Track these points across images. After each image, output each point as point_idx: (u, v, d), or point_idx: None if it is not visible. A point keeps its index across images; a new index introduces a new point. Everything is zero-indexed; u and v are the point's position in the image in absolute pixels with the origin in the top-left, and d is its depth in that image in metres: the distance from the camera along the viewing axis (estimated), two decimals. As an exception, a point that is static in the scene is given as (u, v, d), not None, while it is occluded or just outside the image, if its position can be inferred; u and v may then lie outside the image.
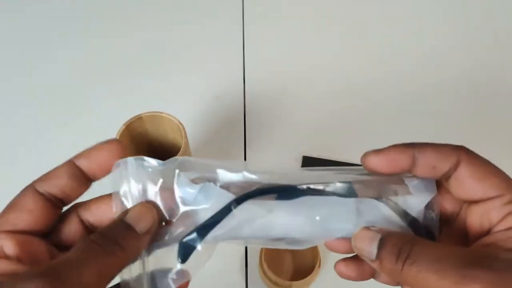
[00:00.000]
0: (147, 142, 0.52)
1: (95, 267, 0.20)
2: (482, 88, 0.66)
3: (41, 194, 0.23)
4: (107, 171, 0.24)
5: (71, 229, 0.24)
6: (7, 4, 0.75)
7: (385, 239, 0.22)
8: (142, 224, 0.23)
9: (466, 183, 0.23)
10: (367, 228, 0.23)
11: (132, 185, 0.24)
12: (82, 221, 0.25)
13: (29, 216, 0.22)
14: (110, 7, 0.76)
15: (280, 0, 0.77)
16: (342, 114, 0.63)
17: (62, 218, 0.24)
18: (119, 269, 0.22)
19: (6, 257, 0.22)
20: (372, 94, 0.65)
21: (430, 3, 0.76)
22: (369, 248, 0.22)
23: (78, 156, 0.25)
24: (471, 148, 0.23)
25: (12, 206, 0.23)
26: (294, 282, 0.44)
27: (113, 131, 0.46)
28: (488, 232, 0.22)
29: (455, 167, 0.23)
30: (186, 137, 0.47)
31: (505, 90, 0.66)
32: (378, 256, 0.22)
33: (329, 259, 0.48)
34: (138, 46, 0.71)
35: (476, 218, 0.23)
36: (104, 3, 0.76)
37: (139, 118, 0.48)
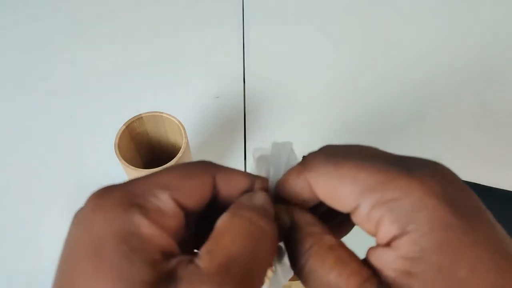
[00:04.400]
0: (147, 142, 0.52)
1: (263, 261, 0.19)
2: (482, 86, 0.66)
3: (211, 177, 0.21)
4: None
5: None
6: (5, 5, 0.75)
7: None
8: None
9: (329, 202, 0.20)
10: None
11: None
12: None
13: (199, 193, 0.20)
14: (110, 7, 0.76)
15: (280, 0, 0.77)
16: (342, 114, 0.63)
17: None
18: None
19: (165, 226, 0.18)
20: (372, 94, 0.65)
21: (435, 2, 0.76)
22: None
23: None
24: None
25: (189, 175, 0.20)
26: (294, 282, 0.44)
27: (113, 131, 0.46)
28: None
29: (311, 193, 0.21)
30: (186, 137, 0.47)
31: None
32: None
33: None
34: (138, 46, 0.71)
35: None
36: (104, 3, 0.76)
37: (139, 118, 0.48)
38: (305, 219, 0.21)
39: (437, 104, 0.64)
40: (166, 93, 0.65)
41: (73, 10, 0.75)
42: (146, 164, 0.54)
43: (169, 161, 0.45)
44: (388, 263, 0.18)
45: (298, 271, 0.21)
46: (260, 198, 0.20)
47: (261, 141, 0.60)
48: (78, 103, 0.64)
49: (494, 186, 0.55)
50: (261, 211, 0.19)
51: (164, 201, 0.18)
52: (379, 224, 0.18)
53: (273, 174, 0.24)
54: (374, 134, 0.61)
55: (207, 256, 0.17)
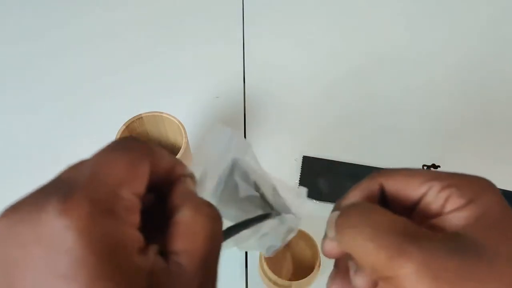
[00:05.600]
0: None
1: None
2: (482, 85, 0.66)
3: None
4: None
5: None
6: (4, 5, 0.75)
7: (341, 213, 0.23)
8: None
9: (399, 197, 0.24)
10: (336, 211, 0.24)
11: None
12: None
13: (146, 178, 0.20)
14: (111, 7, 0.76)
15: (280, 0, 0.77)
16: (342, 114, 0.63)
17: None
18: None
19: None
20: (372, 93, 0.65)
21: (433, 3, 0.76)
22: (331, 225, 0.23)
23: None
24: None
25: (133, 162, 0.20)
26: (294, 282, 0.44)
27: (113, 131, 0.46)
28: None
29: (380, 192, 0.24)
30: (186, 137, 0.47)
31: None
32: (336, 230, 0.23)
33: (329, 259, 0.48)
34: (138, 46, 0.71)
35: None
36: (104, 3, 0.76)
37: (139, 118, 0.48)
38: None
39: (438, 104, 0.64)
40: (166, 93, 0.65)
41: (73, 10, 0.75)
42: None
43: (169, 161, 0.45)
44: (453, 219, 0.21)
45: None
46: (191, 185, 0.23)
47: (261, 142, 0.60)
48: (78, 103, 0.64)
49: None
50: (209, 203, 0.21)
51: (128, 198, 0.18)
52: (447, 198, 0.22)
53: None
54: (374, 134, 0.61)
55: (185, 255, 0.19)
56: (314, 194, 0.54)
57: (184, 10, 0.75)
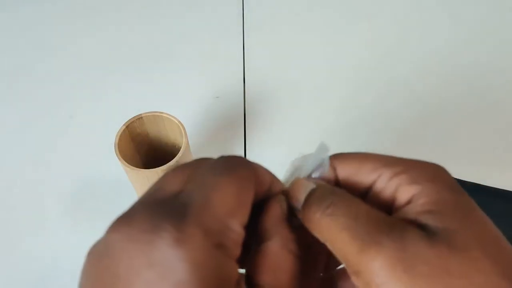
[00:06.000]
0: (147, 142, 0.52)
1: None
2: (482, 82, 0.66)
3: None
4: None
5: None
6: (4, 6, 0.75)
7: (315, 189, 0.22)
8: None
9: (350, 182, 0.23)
10: (306, 178, 0.24)
11: None
12: None
13: (250, 203, 0.20)
14: (110, 7, 0.75)
15: (281, 0, 0.77)
16: (342, 115, 0.63)
17: None
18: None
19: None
20: (373, 93, 0.65)
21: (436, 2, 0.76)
22: (299, 195, 0.23)
23: None
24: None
25: (242, 189, 0.20)
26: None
27: (113, 131, 0.46)
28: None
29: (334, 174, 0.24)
30: (186, 137, 0.47)
31: None
32: (304, 204, 0.22)
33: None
34: (138, 46, 0.71)
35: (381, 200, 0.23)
36: (104, 3, 0.76)
37: (139, 118, 0.48)
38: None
39: (438, 104, 0.64)
40: (166, 93, 0.65)
41: (73, 10, 0.75)
42: (146, 164, 0.54)
43: (169, 161, 0.45)
44: (410, 211, 0.20)
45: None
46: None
47: (261, 142, 0.60)
48: (78, 103, 0.64)
49: (494, 186, 0.55)
50: (295, 237, 0.22)
51: (237, 231, 0.18)
52: (398, 187, 0.21)
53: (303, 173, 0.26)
54: (374, 134, 0.61)
55: None
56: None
57: (184, 10, 0.75)
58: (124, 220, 0.18)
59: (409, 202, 0.20)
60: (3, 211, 0.54)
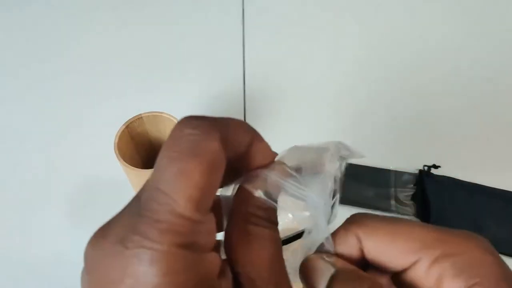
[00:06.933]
0: (147, 142, 0.52)
1: None
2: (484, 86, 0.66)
3: None
4: None
5: None
6: (4, 6, 0.75)
7: (336, 276, 0.20)
8: None
9: (379, 260, 0.20)
10: (320, 255, 0.21)
11: None
12: None
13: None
14: (111, 7, 0.75)
15: (280, 0, 0.77)
16: (342, 114, 0.63)
17: None
18: None
19: None
20: (373, 93, 0.65)
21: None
22: (316, 284, 0.20)
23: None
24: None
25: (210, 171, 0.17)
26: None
27: (113, 131, 0.46)
28: None
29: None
30: (186, 137, 0.47)
31: None
32: None
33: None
34: (138, 46, 0.71)
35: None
36: (104, 3, 0.76)
37: (139, 118, 0.48)
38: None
39: (438, 105, 0.64)
40: (166, 93, 0.65)
41: (72, 10, 0.75)
42: (146, 164, 0.54)
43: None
44: None
45: None
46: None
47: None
48: (78, 103, 0.64)
49: (493, 186, 0.55)
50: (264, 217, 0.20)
51: (201, 220, 0.17)
52: (441, 278, 0.18)
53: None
54: (374, 134, 0.61)
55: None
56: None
57: (185, 10, 0.75)
58: (100, 233, 0.17)
59: None
60: (3, 211, 0.54)
